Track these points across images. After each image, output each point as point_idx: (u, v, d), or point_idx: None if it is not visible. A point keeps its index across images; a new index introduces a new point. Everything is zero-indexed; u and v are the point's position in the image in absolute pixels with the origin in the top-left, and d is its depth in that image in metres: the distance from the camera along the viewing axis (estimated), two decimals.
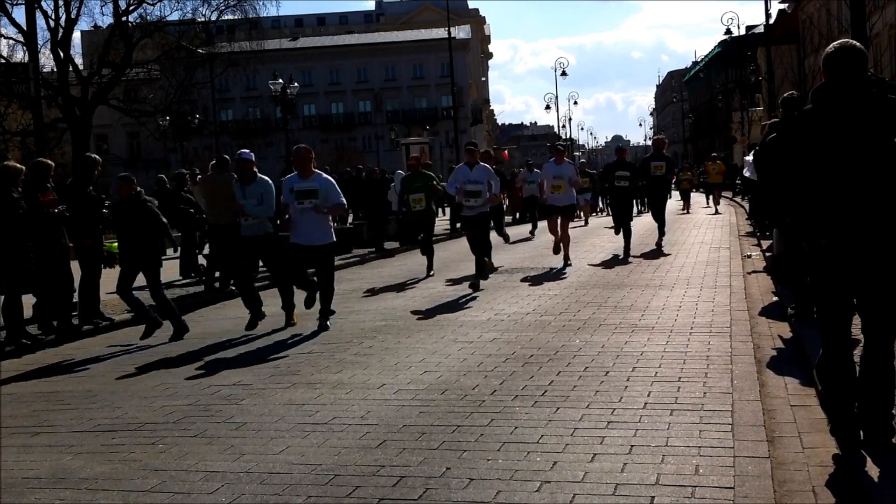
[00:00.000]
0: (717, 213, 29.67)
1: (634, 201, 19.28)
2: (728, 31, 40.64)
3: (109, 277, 10.84)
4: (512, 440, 5.23)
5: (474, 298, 11.49)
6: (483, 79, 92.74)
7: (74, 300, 10.57)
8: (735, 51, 65.49)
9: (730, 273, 12.69)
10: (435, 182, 14.96)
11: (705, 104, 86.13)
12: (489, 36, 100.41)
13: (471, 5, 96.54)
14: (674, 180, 34.52)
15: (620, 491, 4.34)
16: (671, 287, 11.49)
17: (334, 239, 10.04)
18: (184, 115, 43.57)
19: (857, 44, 4.59)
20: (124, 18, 35.56)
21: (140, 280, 9.85)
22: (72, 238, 10.23)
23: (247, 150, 10.41)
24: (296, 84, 37.18)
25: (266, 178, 10.22)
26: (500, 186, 13.35)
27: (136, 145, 68.66)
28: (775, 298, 10.01)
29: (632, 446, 4.98)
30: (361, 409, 6.15)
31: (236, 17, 40.38)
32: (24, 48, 29.89)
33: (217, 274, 13.42)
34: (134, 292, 9.92)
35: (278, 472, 4.90)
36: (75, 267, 10.48)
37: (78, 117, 33.30)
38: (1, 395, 7.44)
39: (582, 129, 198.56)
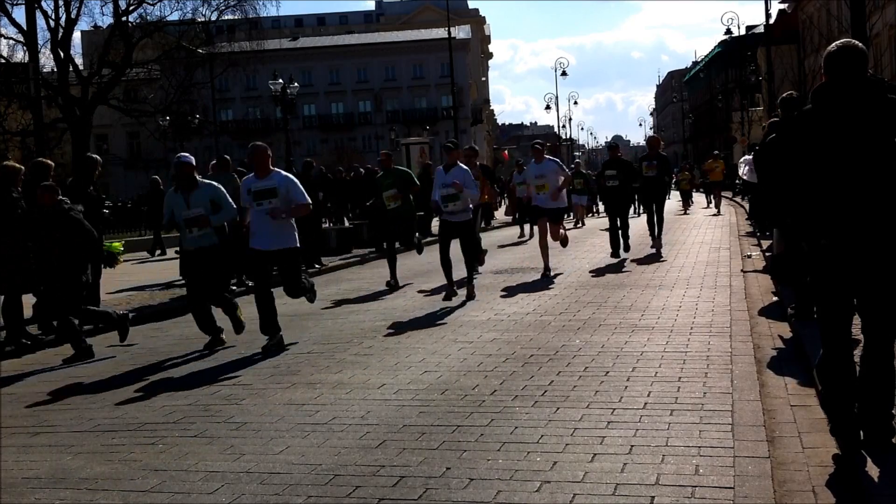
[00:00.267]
0: (718, 213, 29.21)
1: (633, 201, 17.87)
2: (728, 31, 40.63)
3: (109, 277, 10.84)
4: (512, 440, 5.23)
5: (475, 298, 11.47)
6: (483, 79, 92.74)
7: None
8: (735, 51, 65.51)
9: (730, 273, 12.70)
10: (413, 179, 13.87)
11: (705, 104, 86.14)
12: (489, 36, 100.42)
13: (471, 5, 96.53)
14: (674, 180, 34.49)
15: (620, 491, 4.34)
16: (671, 287, 11.49)
17: (297, 244, 9.05)
18: (184, 115, 43.56)
19: (859, 44, 4.59)
20: (124, 18, 35.56)
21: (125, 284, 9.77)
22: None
23: (185, 154, 9.38)
24: (296, 84, 37.20)
25: (211, 181, 9.40)
26: (478, 191, 12.00)
27: (136, 145, 68.68)
28: (775, 298, 10.01)
29: (632, 446, 4.98)
30: (361, 409, 6.15)
31: (236, 17, 40.39)
32: (24, 48, 29.90)
33: None
34: (91, 306, 9.62)
35: (278, 472, 4.90)
36: None
37: (78, 117, 33.30)
38: (1, 395, 7.44)
39: (582, 129, 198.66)
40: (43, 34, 34.44)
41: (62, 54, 33.87)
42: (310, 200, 9.14)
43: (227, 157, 14.02)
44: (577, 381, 6.56)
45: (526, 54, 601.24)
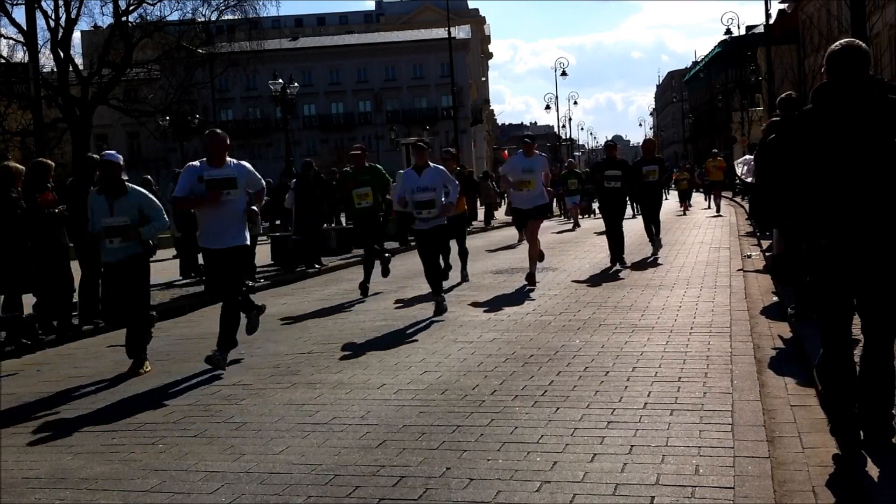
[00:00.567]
0: (718, 214, 28.57)
1: (630, 204, 16.33)
2: (728, 31, 40.62)
3: None
4: (512, 440, 5.23)
5: (475, 299, 11.46)
6: (483, 79, 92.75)
7: (74, 300, 10.57)
8: (735, 51, 65.48)
9: (730, 273, 12.69)
10: (388, 179, 13.08)
11: (705, 104, 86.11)
12: (489, 36, 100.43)
13: (471, 5, 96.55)
14: (674, 179, 34.33)
15: (620, 491, 4.34)
16: (671, 287, 11.49)
17: (248, 241, 8.28)
18: (184, 115, 43.55)
19: (862, 44, 4.58)
20: (124, 18, 35.54)
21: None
22: (72, 238, 10.22)
23: (113, 152, 8.44)
24: (296, 84, 37.19)
25: (140, 188, 8.52)
26: (458, 191, 10.96)
27: (136, 145, 68.68)
28: (775, 298, 10.01)
29: (632, 446, 4.98)
30: (361, 409, 6.15)
31: (236, 17, 40.37)
32: (24, 48, 29.87)
33: None
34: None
35: (278, 472, 4.90)
36: (75, 267, 10.47)
37: (78, 117, 33.28)
38: (1, 395, 7.44)
39: (582, 129, 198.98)
40: (43, 34, 34.42)
41: (62, 54, 33.86)
42: (264, 183, 8.49)
43: None
44: (577, 381, 6.56)
45: (526, 54, 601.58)
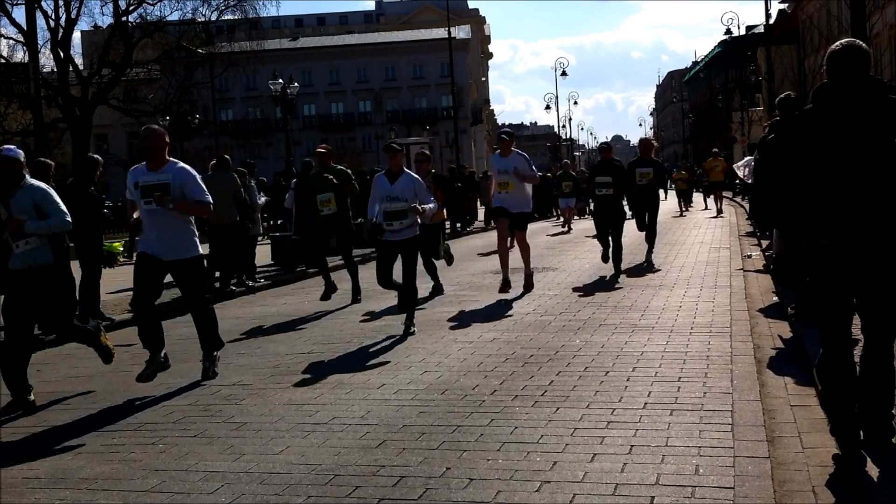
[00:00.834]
0: (719, 215, 27.92)
1: (625, 210, 14.16)
2: (728, 31, 40.62)
3: (109, 277, 10.84)
4: (512, 440, 5.23)
5: (475, 299, 11.46)
6: (483, 79, 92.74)
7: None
8: (735, 51, 65.50)
9: (730, 273, 12.69)
10: (353, 181, 11.65)
11: (705, 104, 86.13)
12: (489, 36, 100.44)
13: (471, 5, 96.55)
14: (674, 178, 34.12)
15: (620, 491, 4.34)
16: (671, 287, 11.49)
17: (199, 251, 7.47)
18: (184, 115, 43.60)
19: (862, 44, 4.57)
20: (124, 18, 35.58)
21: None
22: (72, 238, 10.20)
23: (11, 147, 7.36)
24: (296, 84, 37.18)
25: (39, 183, 7.23)
26: (431, 199, 9.52)
27: (137, 145, 68.62)
28: (775, 298, 10.01)
29: (632, 446, 4.98)
30: (361, 409, 6.15)
31: (236, 17, 40.45)
32: (24, 48, 29.90)
33: (217, 274, 13.42)
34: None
35: (278, 472, 4.90)
36: (75, 267, 10.46)
37: (78, 117, 33.31)
38: (1, 395, 7.44)
39: (582, 129, 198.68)
40: (43, 34, 34.48)
41: (62, 54, 33.89)
42: (210, 199, 7.47)
43: (227, 157, 14.02)
44: (577, 381, 6.56)
45: (526, 54, 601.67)
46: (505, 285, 11.31)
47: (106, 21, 49.43)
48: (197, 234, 7.53)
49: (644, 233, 14.77)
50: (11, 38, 34.21)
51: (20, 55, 33.95)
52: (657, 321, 8.97)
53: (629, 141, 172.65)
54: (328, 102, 74.27)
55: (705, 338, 7.98)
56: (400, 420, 5.80)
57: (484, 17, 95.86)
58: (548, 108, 63.96)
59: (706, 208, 32.20)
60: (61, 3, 33.75)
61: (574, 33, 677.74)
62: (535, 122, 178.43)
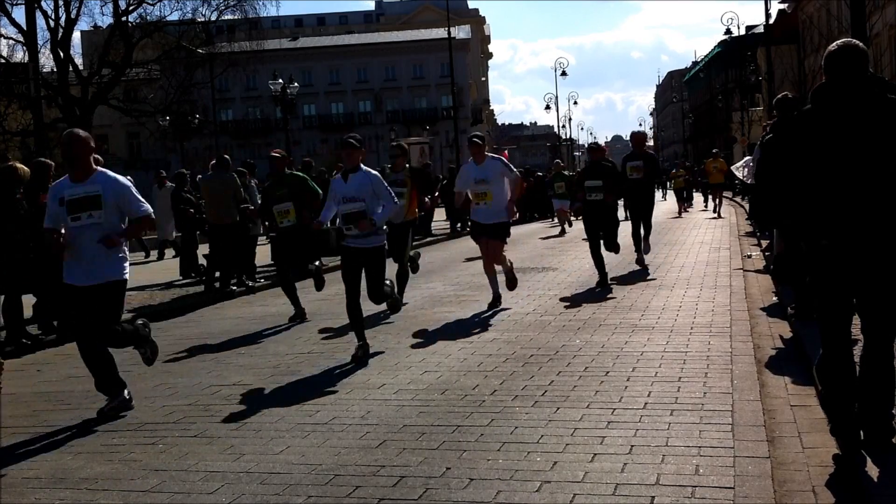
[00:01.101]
0: (718, 216, 27.36)
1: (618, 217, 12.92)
2: (728, 31, 40.61)
3: None
4: (512, 440, 5.23)
5: (475, 299, 11.45)
6: (483, 79, 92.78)
7: None
8: (735, 51, 65.44)
9: (730, 273, 12.69)
10: (311, 188, 10.78)
11: (705, 104, 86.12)
12: (489, 36, 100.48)
13: (471, 5, 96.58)
14: (672, 177, 34.01)
15: (620, 491, 4.34)
16: (671, 287, 11.49)
17: (125, 275, 6.47)
18: (184, 115, 43.61)
19: (860, 44, 4.58)
20: (124, 18, 35.61)
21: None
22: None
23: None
24: (296, 84, 37.25)
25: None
26: (393, 207, 8.40)
27: (136, 145, 68.72)
28: (775, 298, 10.01)
29: (632, 446, 4.98)
30: (361, 409, 6.15)
31: (236, 17, 40.49)
32: (24, 48, 29.88)
33: (217, 274, 13.42)
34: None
35: (278, 472, 4.90)
36: None
37: (78, 117, 33.29)
38: (1, 395, 7.44)
39: (582, 129, 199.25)
40: (43, 34, 34.46)
41: (62, 54, 33.91)
42: (151, 209, 6.61)
43: (227, 157, 14.02)
44: (577, 381, 6.56)
45: (526, 54, 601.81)
46: (495, 301, 10.63)
47: (106, 21, 49.45)
48: (128, 255, 6.58)
49: (635, 237, 13.86)
50: (11, 38, 34.27)
51: (20, 55, 33.95)
52: (657, 321, 8.98)
53: (629, 141, 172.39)
54: (328, 102, 74.31)
55: (705, 338, 7.98)
56: (400, 420, 5.80)
57: (484, 17, 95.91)
58: (548, 108, 64.00)
59: (706, 209, 32.12)
60: (61, 3, 33.79)
61: (574, 33, 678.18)
62: (535, 123, 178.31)
